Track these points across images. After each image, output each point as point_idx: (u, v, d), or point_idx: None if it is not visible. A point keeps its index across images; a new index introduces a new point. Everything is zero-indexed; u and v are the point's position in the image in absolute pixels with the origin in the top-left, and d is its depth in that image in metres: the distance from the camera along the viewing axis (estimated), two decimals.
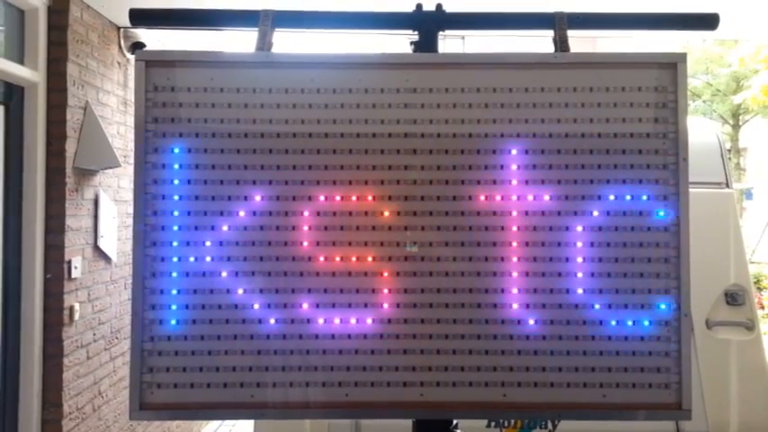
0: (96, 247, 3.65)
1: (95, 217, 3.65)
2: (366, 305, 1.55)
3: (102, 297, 3.74)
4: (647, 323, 1.55)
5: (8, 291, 3.18)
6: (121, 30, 3.96)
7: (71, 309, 3.38)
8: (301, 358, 1.55)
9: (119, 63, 3.96)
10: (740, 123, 15.70)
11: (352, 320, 1.55)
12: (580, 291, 1.56)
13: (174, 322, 1.55)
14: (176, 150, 1.57)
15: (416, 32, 1.71)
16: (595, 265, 1.56)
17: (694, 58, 13.99)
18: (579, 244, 1.56)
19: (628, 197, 1.57)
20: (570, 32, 1.65)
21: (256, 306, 1.55)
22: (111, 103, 3.86)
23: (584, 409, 1.55)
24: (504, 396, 1.55)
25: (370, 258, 1.56)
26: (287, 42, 4.00)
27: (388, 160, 1.57)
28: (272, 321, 1.55)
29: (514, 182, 1.57)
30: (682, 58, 1.59)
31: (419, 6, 1.72)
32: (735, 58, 12.52)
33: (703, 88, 15.58)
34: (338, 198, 1.56)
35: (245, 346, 1.55)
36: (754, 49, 10.99)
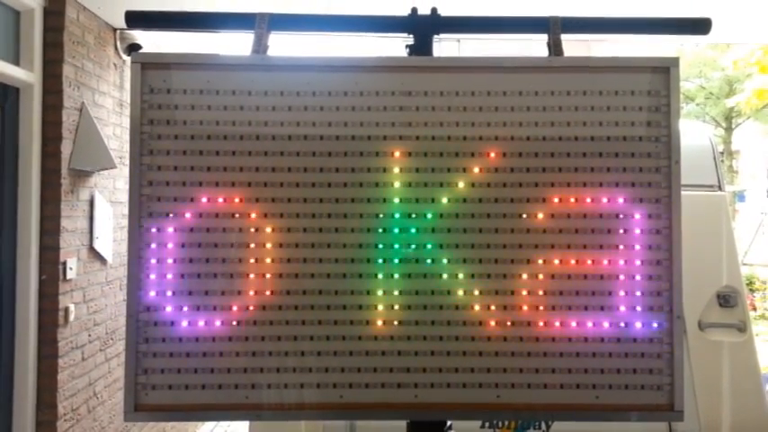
0: (91, 249, 3.65)
1: (91, 218, 3.64)
2: (361, 307, 1.56)
3: (97, 298, 3.73)
4: (639, 325, 1.56)
5: (3, 292, 3.17)
6: (118, 31, 3.96)
7: (66, 310, 3.37)
8: (296, 360, 1.55)
9: (115, 65, 3.96)
10: (733, 126, 15.78)
11: (348, 322, 1.56)
12: (572, 293, 1.57)
13: (169, 324, 1.55)
14: (172, 152, 1.57)
15: (412, 36, 1.72)
16: (588, 267, 1.57)
17: (687, 61, 14.05)
18: (571, 246, 1.57)
19: (620, 200, 1.58)
20: (564, 36, 1.66)
21: (251, 308, 1.56)
22: (107, 104, 3.86)
23: (577, 410, 1.56)
24: (497, 397, 1.56)
25: (365, 260, 1.57)
26: (283, 45, 4.01)
27: (384, 162, 1.58)
28: (268, 323, 1.56)
29: (508, 185, 1.58)
30: (674, 62, 1.60)
31: (414, 10, 1.73)
32: (728, 61, 12.57)
33: (696, 91, 15.66)
34: (334, 200, 1.57)
35: (240, 348, 1.55)
36: (747, 53, 11.05)
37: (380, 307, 1.56)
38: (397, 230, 1.57)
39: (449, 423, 1.64)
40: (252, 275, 1.56)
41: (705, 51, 14.15)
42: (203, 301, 1.56)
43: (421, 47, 1.71)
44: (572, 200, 1.58)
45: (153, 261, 1.56)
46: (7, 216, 3.20)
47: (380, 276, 1.56)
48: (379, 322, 1.56)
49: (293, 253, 1.57)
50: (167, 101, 1.58)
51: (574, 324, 1.56)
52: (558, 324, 1.56)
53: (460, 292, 1.56)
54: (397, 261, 1.57)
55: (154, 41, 4.21)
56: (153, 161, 1.57)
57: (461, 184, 1.58)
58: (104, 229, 3.78)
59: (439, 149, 1.58)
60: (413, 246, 1.57)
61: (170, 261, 1.56)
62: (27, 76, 3.22)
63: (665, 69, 1.60)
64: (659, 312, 1.57)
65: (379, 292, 1.56)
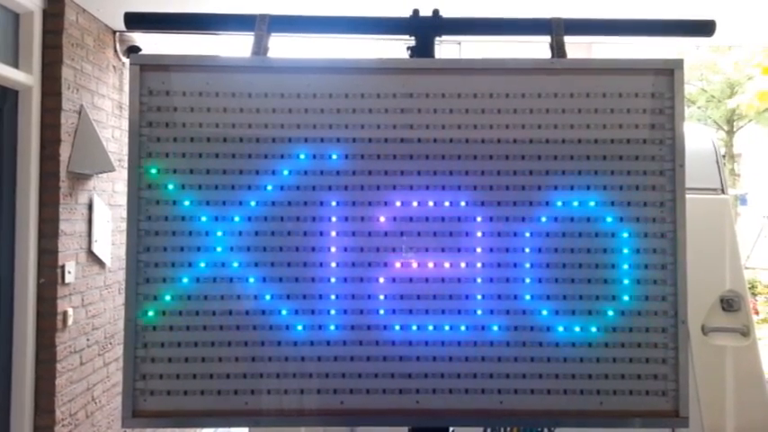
0: (90, 252, 3.63)
1: (89, 221, 3.62)
2: (362, 312, 1.54)
3: (95, 302, 3.71)
4: (644, 330, 1.55)
5: (1, 295, 3.15)
6: (117, 33, 3.95)
7: (64, 314, 3.35)
8: (296, 365, 1.54)
9: (114, 67, 3.95)
10: (734, 129, 15.77)
11: (349, 327, 1.54)
12: (577, 297, 1.55)
13: (167, 329, 1.53)
14: (171, 155, 1.56)
15: (413, 38, 1.71)
16: (592, 271, 1.55)
17: (689, 64, 14.02)
18: (576, 250, 1.55)
19: (624, 203, 1.56)
20: (566, 38, 1.65)
21: (250, 312, 1.54)
22: (107, 107, 3.85)
23: (580, 416, 1.54)
24: (500, 403, 1.54)
25: (366, 265, 1.55)
26: (283, 47, 3.99)
27: (385, 165, 1.56)
28: (267, 328, 1.54)
29: (510, 188, 1.56)
30: (679, 64, 1.58)
31: (416, 12, 1.71)
32: (729, 63, 12.58)
33: (698, 94, 15.64)
34: (334, 204, 1.55)
35: (240, 353, 1.53)
36: (748, 55, 11.06)
37: (381, 312, 1.54)
38: (398, 234, 1.55)
39: (451, 429, 1.62)
40: (251, 279, 1.54)
41: (706, 54, 14.14)
42: (202, 306, 1.54)
43: (422, 49, 1.70)
44: (575, 203, 1.56)
45: (151, 265, 1.54)
46: (5, 219, 3.18)
47: (381, 281, 1.55)
48: (381, 327, 1.54)
49: (293, 257, 1.55)
50: (166, 103, 1.57)
51: (578, 329, 1.54)
52: (561, 329, 1.54)
53: (463, 298, 1.54)
54: (398, 265, 1.55)
55: (154, 44, 4.20)
56: (151, 164, 1.55)
57: (462, 188, 1.56)
58: (103, 232, 3.76)
59: (441, 152, 1.57)
60: (414, 249, 1.55)
61: (168, 265, 1.54)
62: (26, 78, 3.21)
63: (668, 71, 1.58)
64: (664, 317, 1.55)
65: (381, 297, 1.54)
